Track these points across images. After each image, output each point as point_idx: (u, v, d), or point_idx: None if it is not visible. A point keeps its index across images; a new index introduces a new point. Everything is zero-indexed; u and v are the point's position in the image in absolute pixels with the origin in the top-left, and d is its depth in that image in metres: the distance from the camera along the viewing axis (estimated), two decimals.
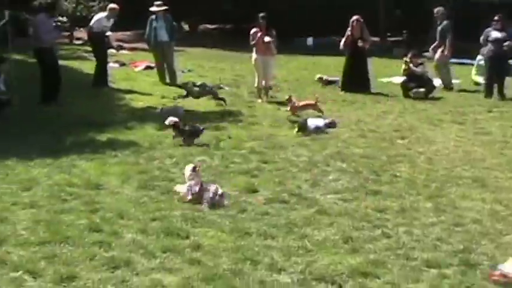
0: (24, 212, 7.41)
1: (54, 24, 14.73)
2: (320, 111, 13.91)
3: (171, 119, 11.02)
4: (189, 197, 7.96)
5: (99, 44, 17.21)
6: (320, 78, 18.77)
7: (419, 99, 16.39)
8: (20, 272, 5.76)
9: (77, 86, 16.44)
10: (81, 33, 31.41)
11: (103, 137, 11.22)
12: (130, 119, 12.76)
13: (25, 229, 6.86)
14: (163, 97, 15.47)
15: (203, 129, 11.17)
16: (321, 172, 9.47)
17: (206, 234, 6.83)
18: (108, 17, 16.89)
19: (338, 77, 18.85)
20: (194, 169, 8.23)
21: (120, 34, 30.81)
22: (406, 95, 16.84)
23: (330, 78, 18.83)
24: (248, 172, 9.34)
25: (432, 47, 18.91)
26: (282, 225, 7.17)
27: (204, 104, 14.72)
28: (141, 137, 11.20)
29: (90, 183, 8.50)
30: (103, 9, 18.17)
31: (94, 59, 17.73)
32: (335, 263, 6.15)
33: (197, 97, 14.84)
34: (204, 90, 15.11)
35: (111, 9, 16.90)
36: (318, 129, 11.90)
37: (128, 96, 15.64)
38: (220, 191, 7.98)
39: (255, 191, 8.42)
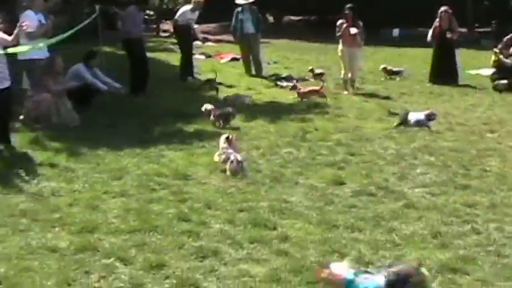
0: (115, 201, 7.58)
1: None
2: (324, 97, 14.14)
3: (206, 107, 11.60)
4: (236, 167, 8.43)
5: (184, 36, 17.40)
6: (384, 69, 18.45)
7: (507, 91, 15.96)
8: (112, 259, 5.90)
9: (164, 77, 16.71)
10: (168, 26, 31.86)
11: (190, 128, 11.36)
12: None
13: (116, 217, 7.02)
14: (249, 88, 15.53)
15: (231, 112, 11.47)
16: (408, 165, 9.33)
17: (293, 226, 6.83)
18: (193, 10, 17.04)
19: (403, 68, 18.58)
20: (228, 139, 8.70)
21: (205, 26, 31.11)
22: (496, 88, 16.42)
23: (395, 69, 18.50)
24: (335, 164, 9.28)
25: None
26: (370, 218, 7.10)
27: (290, 96, 14.71)
28: (227, 128, 11.26)
29: (178, 173, 8.61)
30: (188, 1, 18.34)
31: (180, 51, 17.97)
32: (423, 258, 6.03)
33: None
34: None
35: (196, 1, 17.03)
36: (419, 123, 11.62)
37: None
38: (238, 158, 8.39)
39: (341, 184, 8.35)
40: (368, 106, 13.89)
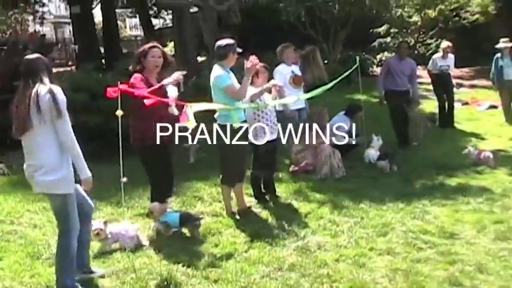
0: (381, 259, 7.44)
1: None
2: None
3: None
4: None
5: (437, 84, 17.13)
6: None
7: None
8: None
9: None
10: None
11: (452, 182, 10.93)
12: (479, 163, 12.29)
13: (383, 277, 6.90)
14: (511, 139, 14.72)
15: None
16: None
17: None
18: (443, 56, 16.70)
19: None
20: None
21: (458, 71, 30.32)
22: None
23: None
24: None
25: None
26: None
27: None
28: (492, 183, 10.70)
29: (444, 232, 8.30)
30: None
31: (435, 98, 17.59)
32: None
33: None
34: None
35: (444, 48, 16.68)
36: None
37: (473, 138, 15.10)
38: None
39: None
40: None
